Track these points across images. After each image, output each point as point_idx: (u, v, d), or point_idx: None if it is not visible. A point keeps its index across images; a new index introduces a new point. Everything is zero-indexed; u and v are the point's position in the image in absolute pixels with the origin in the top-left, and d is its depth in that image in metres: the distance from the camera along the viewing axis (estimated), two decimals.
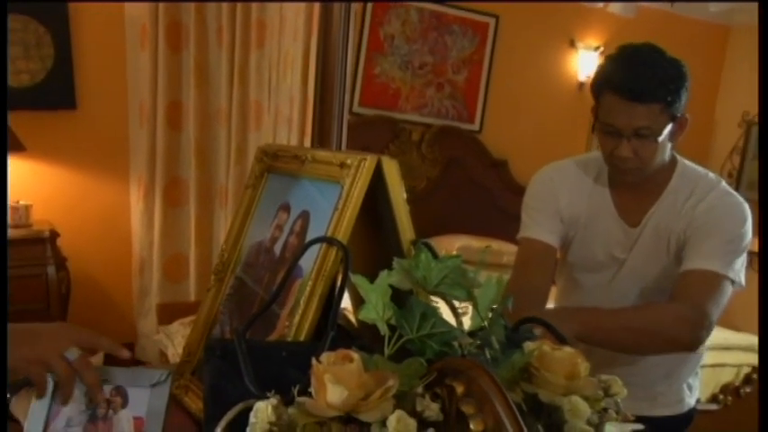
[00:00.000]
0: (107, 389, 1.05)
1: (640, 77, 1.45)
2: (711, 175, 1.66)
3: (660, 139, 1.49)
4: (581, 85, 5.21)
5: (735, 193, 1.62)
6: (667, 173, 1.63)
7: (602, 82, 1.52)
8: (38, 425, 1.02)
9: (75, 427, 1.03)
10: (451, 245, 4.14)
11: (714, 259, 1.52)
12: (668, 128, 1.50)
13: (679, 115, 1.51)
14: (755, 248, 1.77)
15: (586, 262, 1.71)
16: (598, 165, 1.69)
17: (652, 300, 1.66)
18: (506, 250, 4.03)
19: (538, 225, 1.68)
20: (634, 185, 1.62)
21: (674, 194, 1.62)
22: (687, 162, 1.66)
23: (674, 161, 1.63)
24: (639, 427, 0.85)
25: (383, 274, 0.95)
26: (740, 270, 1.56)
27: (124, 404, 1.05)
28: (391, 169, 1.15)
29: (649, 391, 1.68)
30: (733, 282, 1.54)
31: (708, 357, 1.79)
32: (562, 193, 1.68)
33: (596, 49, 5.17)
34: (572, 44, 5.16)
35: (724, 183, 1.63)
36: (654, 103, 1.45)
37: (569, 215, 1.68)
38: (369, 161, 1.13)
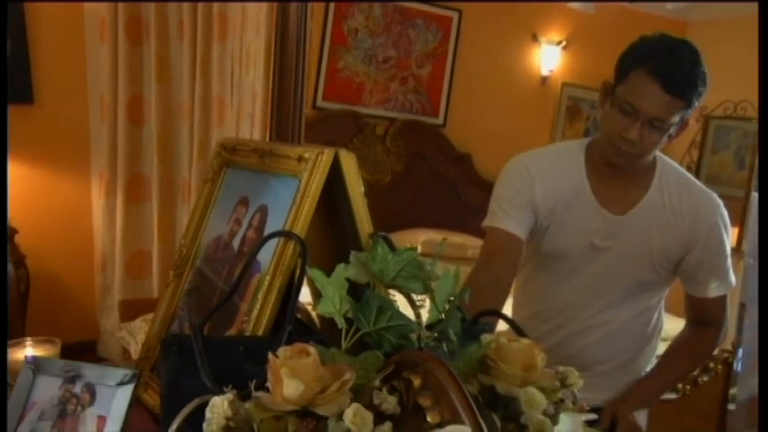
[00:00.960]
0: (78, 385, 1.07)
1: (681, 72, 1.46)
2: (688, 174, 1.70)
3: (668, 134, 1.51)
4: (544, 79, 5.27)
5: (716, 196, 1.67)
6: (650, 164, 1.64)
7: (639, 61, 1.48)
8: (14, 414, 1.05)
9: (46, 421, 1.06)
10: (416, 239, 4.15)
11: (726, 280, 1.69)
12: (676, 126, 1.52)
13: (685, 118, 1.54)
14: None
15: (563, 250, 1.66)
16: (575, 152, 1.67)
17: (633, 293, 1.68)
18: (471, 244, 4.06)
19: (507, 216, 1.63)
20: (616, 173, 1.61)
21: (660, 189, 1.63)
22: (662, 155, 1.68)
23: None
24: (593, 416, 0.86)
25: (340, 267, 0.95)
26: None
27: (92, 402, 1.06)
28: (349, 163, 1.15)
29: (607, 381, 1.70)
30: None
31: (665, 347, 1.80)
32: (538, 183, 1.63)
33: (558, 43, 5.23)
34: (535, 38, 5.21)
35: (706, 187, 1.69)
36: (680, 100, 1.46)
37: (546, 206, 1.63)
38: (326, 155, 1.13)
